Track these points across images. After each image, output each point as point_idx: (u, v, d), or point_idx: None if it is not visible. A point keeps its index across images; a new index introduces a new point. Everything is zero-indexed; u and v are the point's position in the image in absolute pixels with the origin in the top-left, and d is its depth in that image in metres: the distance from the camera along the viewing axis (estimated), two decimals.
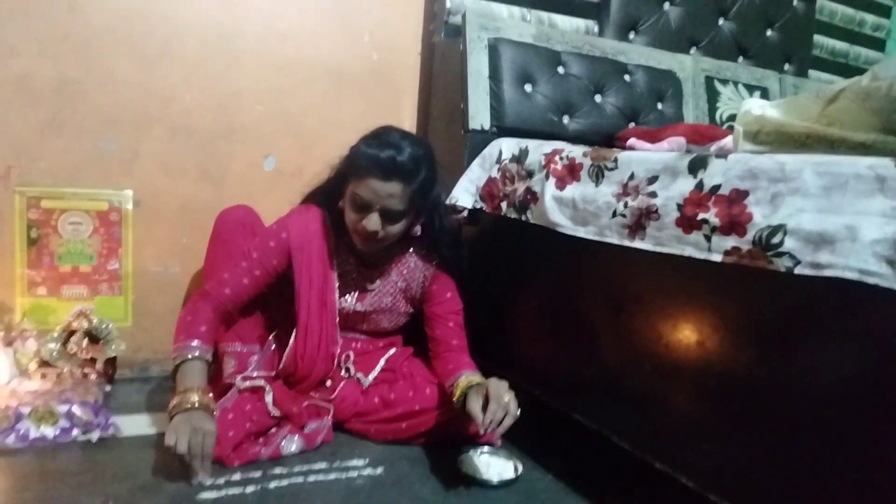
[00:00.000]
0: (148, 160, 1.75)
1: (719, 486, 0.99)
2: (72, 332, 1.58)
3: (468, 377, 1.39)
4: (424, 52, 2.03)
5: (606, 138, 1.71)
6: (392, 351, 1.64)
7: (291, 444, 1.37)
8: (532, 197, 1.40)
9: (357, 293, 1.57)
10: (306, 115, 1.91)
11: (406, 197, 1.37)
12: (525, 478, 1.34)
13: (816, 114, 1.04)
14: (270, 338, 1.58)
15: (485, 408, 1.27)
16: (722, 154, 1.03)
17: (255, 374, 1.48)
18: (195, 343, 1.34)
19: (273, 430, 1.41)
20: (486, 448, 1.38)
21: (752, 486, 0.95)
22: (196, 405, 1.24)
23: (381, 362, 1.59)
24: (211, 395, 1.30)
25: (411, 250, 1.57)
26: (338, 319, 1.53)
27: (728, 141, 1.17)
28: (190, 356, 1.32)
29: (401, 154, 1.34)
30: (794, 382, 0.89)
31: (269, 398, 1.41)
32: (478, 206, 1.62)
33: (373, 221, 1.37)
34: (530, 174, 1.43)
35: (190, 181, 1.80)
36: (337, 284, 1.52)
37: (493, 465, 1.33)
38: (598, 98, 1.90)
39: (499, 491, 1.28)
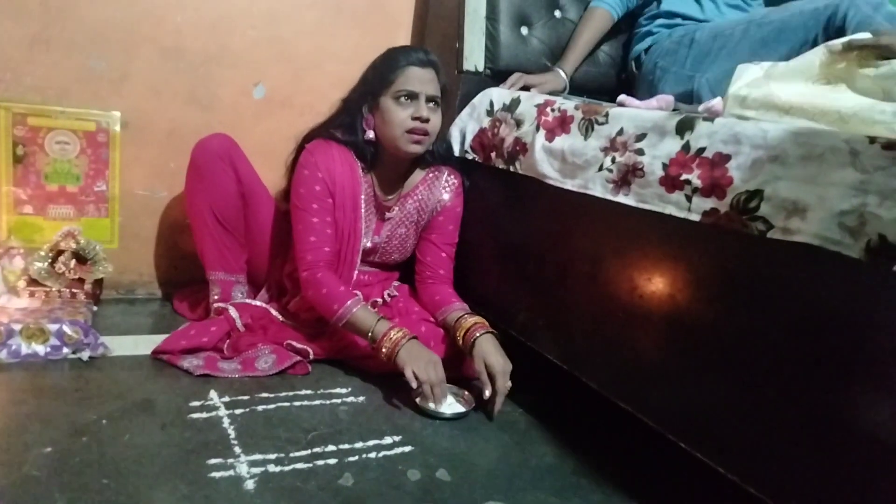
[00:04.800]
0: (137, 81, 1.72)
1: (678, 427, 1.07)
2: (59, 252, 1.60)
3: (466, 317, 1.49)
4: None
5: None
6: (394, 285, 1.72)
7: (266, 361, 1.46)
8: (521, 147, 1.43)
9: (375, 223, 1.63)
10: (299, 42, 1.89)
11: (439, 85, 1.50)
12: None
13: (818, 70, 1.05)
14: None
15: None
16: (709, 117, 1.06)
17: (233, 303, 1.60)
18: (350, 301, 1.42)
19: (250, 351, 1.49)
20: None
21: (709, 428, 1.03)
22: (406, 336, 1.38)
23: (386, 296, 1.67)
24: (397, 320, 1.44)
25: (423, 177, 1.63)
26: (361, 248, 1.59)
27: (716, 102, 1.20)
28: (356, 308, 1.41)
29: (424, 48, 1.56)
30: (755, 337, 0.95)
31: (238, 323, 1.55)
32: (468, 157, 1.64)
33: (424, 108, 1.46)
34: (519, 123, 1.46)
35: (179, 105, 1.78)
36: (363, 212, 1.57)
37: (448, 399, 1.39)
38: None
39: (468, 420, 1.37)
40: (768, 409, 0.93)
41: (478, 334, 1.43)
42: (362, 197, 1.56)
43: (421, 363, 1.35)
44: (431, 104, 1.48)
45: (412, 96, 1.46)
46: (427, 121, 1.46)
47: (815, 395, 0.87)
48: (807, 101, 0.99)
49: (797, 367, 0.90)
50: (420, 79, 1.46)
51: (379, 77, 1.48)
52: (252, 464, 1.09)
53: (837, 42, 1.07)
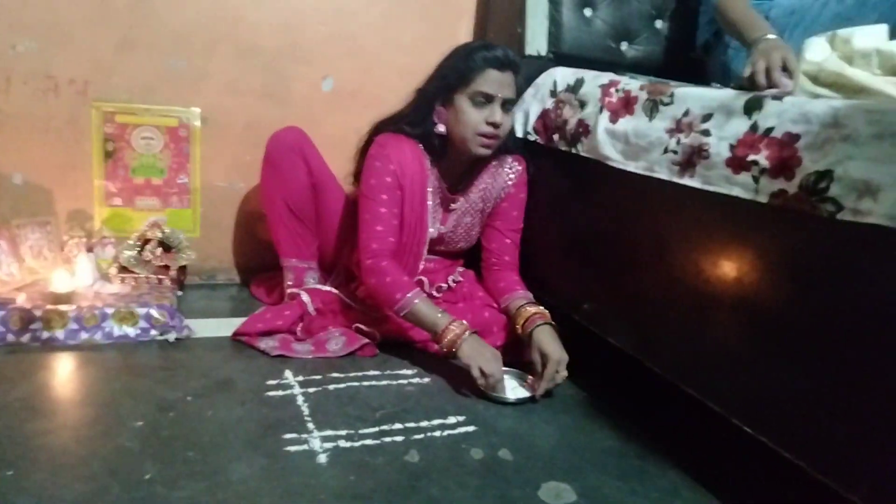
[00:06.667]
0: (215, 79, 1.82)
1: (746, 413, 1.06)
2: (147, 241, 1.71)
3: (527, 306, 1.50)
4: None
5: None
6: (459, 270, 1.74)
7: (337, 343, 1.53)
8: (584, 129, 1.42)
9: (441, 214, 1.65)
10: (367, 36, 1.94)
11: (516, 87, 1.50)
12: (560, 394, 1.43)
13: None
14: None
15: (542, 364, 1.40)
16: (778, 95, 1.03)
17: (305, 288, 1.66)
18: (412, 292, 1.43)
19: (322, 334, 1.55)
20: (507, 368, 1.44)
21: (778, 415, 1.01)
22: (466, 330, 1.39)
23: (450, 281, 1.69)
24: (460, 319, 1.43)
25: (487, 165, 1.63)
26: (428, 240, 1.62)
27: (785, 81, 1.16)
28: (417, 300, 1.42)
29: (505, 49, 1.48)
30: (828, 322, 0.93)
31: (310, 308, 1.61)
32: (530, 139, 1.64)
33: (498, 113, 1.46)
34: (583, 105, 1.45)
35: (254, 100, 1.87)
36: (430, 204, 1.59)
37: (511, 384, 1.42)
38: (658, 24, 1.86)
39: (530, 405, 1.39)
40: (841, 397, 0.91)
41: (536, 324, 1.44)
42: (429, 189, 1.58)
43: (485, 359, 1.36)
44: (506, 107, 1.48)
45: (488, 99, 1.45)
46: (499, 126, 1.47)
47: (890, 382, 0.84)
48: (880, 81, 0.95)
49: (871, 354, 0.87)
50: (499, 82, 1.44)
51: (456, 74, 1.47)
52: (324, 439, 1.15)
53: None
